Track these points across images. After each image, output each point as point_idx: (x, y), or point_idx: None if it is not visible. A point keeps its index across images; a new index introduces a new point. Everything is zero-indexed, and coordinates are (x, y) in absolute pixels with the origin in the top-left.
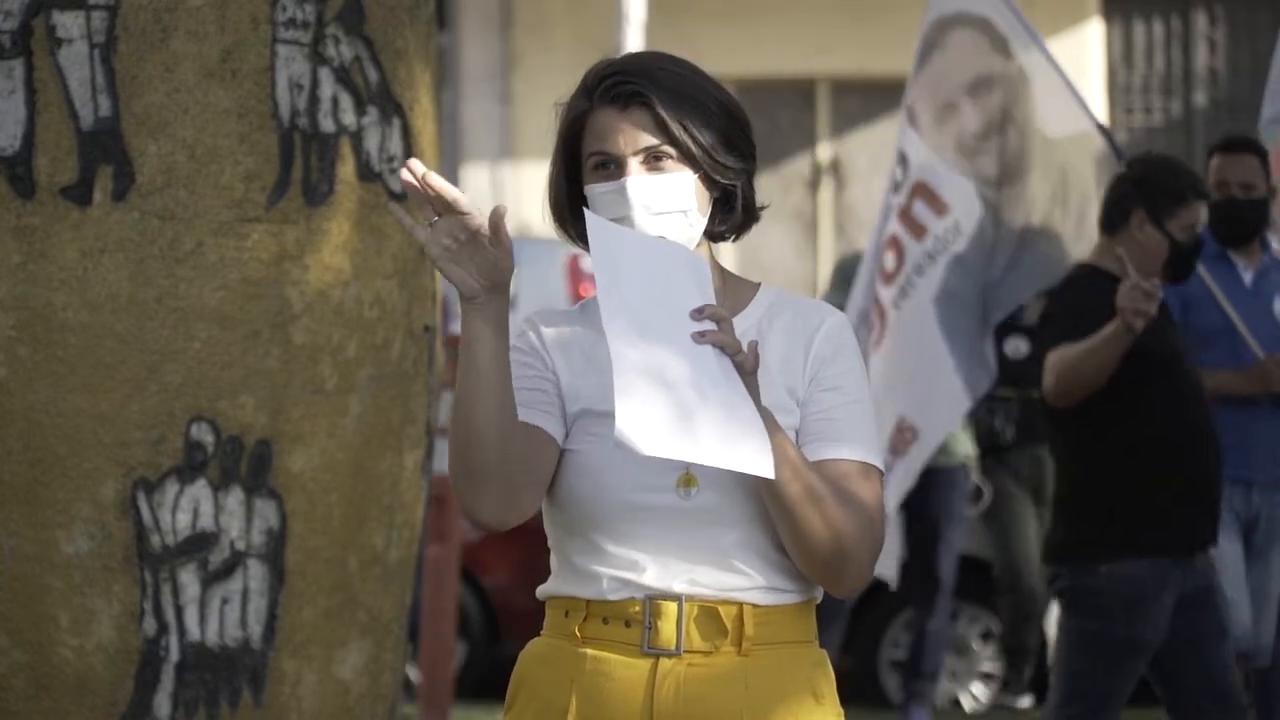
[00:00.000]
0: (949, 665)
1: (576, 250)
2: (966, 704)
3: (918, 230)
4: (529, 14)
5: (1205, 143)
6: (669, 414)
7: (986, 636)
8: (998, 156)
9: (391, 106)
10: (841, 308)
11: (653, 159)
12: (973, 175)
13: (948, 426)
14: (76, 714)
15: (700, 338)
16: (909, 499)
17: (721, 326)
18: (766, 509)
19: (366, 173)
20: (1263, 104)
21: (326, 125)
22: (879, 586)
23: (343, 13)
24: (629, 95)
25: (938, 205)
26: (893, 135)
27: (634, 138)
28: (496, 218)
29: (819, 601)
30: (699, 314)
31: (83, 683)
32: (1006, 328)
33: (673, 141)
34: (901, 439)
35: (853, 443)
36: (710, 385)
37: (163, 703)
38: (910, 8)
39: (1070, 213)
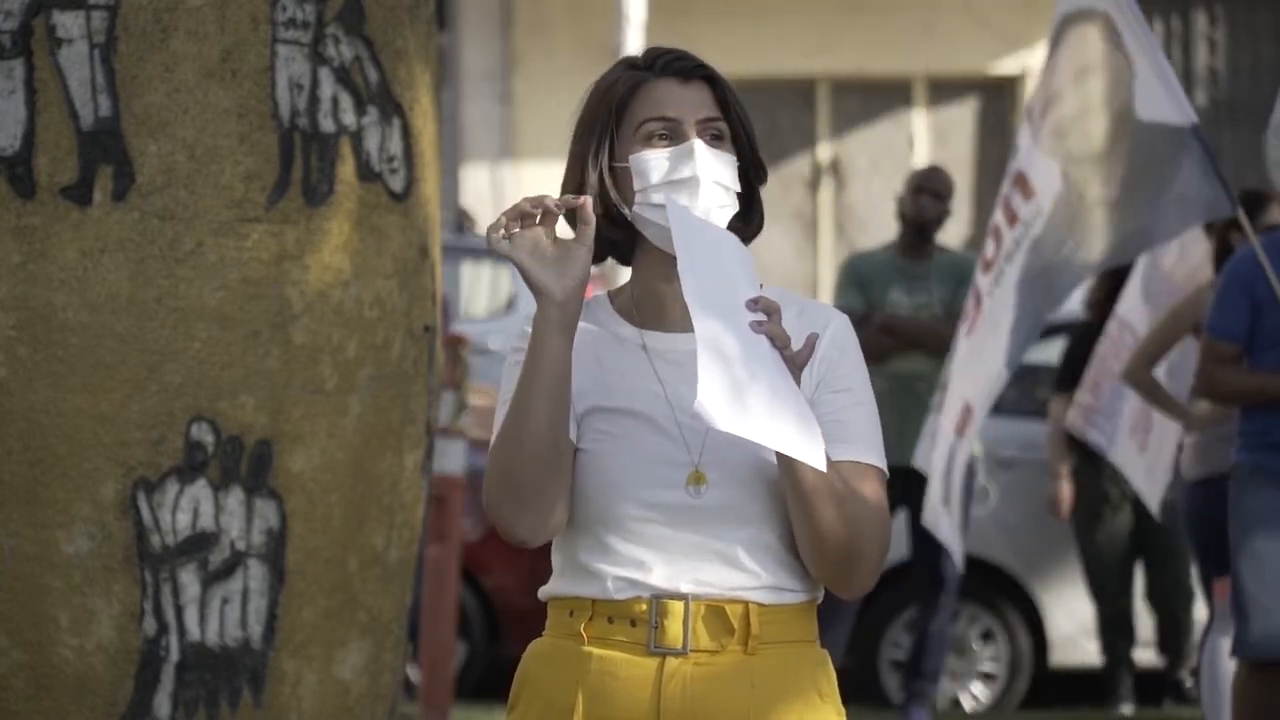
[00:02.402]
0: (949, 665)
1: None
2: (966, 704)
3: (1011, 218)
4: (529, 14)
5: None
6: (737, 394)
7: (987, 636)
8: (1089, 136)
9: (391, 106)
10: (851, 308)
11: (710, 133)
12: (1061, 155)
13: (991, 398)
14: (76, 714)
15: (757, 327)
16: (914, 499)
17: (772, 318)
18: (775, 507)
19: (366, 173)
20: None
21: (326, 125)
22: (879, 587)
23: (343, 13)
24: (692, 69)
25: (1027, 190)
26: (893, 135)
27: (697, 106)
28: (586, 210)
29: (820, 602)
30: (754, 304)
31: (83, 683)
32: None
33: (732, 121)
34: (965, 420)
35: (860, 444)
36: (764, 372)
37: (163, 703)
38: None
39: (1139, 194)
